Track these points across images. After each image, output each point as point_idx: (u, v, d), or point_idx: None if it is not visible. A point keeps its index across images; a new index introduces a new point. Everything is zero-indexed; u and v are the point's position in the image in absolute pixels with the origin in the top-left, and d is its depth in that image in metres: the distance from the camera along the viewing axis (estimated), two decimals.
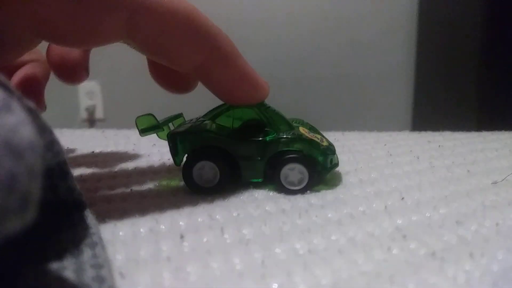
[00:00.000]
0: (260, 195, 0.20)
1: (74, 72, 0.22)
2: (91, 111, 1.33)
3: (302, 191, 0.20)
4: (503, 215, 0.18)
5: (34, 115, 0.11)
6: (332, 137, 0.33)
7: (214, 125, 0.21)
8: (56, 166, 0.13)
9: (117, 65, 1.21)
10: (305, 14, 1.29)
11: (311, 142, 0.21)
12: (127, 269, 0.13)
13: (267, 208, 0.18)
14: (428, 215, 0.18)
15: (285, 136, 0.20)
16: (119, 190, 0.21)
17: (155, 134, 0.22)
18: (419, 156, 0.27)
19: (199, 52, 0.19)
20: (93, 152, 0.29)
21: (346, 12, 1.30)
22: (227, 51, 0.20)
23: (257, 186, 0.21)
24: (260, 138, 0.20)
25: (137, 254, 0.14)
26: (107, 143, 0.32)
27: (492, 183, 0.22)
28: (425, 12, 1.26)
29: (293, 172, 0.20)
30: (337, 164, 0.22)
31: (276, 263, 0.14)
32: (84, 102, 1.33)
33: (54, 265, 0.12)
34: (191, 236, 0.15)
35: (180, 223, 0.17)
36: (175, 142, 0.21)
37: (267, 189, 0.21)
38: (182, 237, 0.15)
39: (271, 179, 0.21)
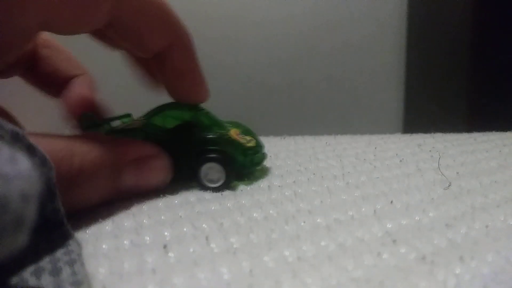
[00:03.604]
0: (247, 201, 0.20)
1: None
2: None
3: (220, 189, 0.22)
4: (492, 217, 0.18)
5: (21, 138, 0.12)
6: (324, 141, 0.33)
7: (148, 125, 0.23)
8: (46, 186, 0.13)
9: (109, 65, 1.20)
10: (294, 18, 1.30)
11: (232, 142, 0.22)
12: (111, 283, 0.13)
13: (254, 215, 0.18)
14: (418, 219, 0.18)
15: (208, 136, 0.22)
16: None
17: None
18: (409, 159, 0.27)
19: (165, 37, 0.21)
20: None
21: (334, 14, 1.31)
22: (188, 43, 0.22)
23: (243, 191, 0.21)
24: (187, 138, 0.22)
25: (121, 267, 0.14)
26: None
27: (445, 188, 0.21)
28: (415, 15, 1.27)
29: (212, 170, 0.22)
30: (259, 164, 0.24)
31: (264, 272, 0.13)
32: None
33: (32, 285, 0.11)
34: (176, 247, 0.15)
35: (165, 233, 0.16)
36: None
37: (252, 195, 0.21)
38: (165, 247, 0.15)
39: (194, 177, 0.22)
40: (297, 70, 1.30)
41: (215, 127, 0.23)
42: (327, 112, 1.32)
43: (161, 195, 0.21)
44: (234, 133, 0.23)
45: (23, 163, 0.09)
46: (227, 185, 0.22)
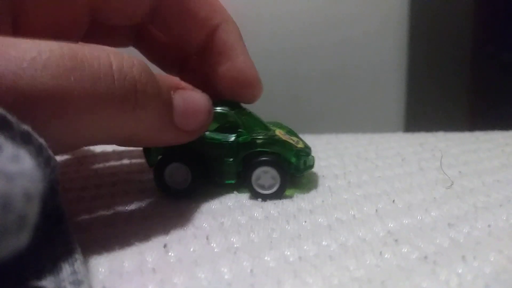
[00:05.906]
0: (247, 201, 0.20)
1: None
2: None
3: (274, 196, 0.20)
4: (494, 217, 0.17)
5: (30, 137, 0.12)
6: (325, 139, 0.33)
7: None
8: (48, 184, 0.13)
9: None
10: (296, 14, 1.30)
11: (284, 143, 0.20)
12: (111, 282, 0.13)
13: (255, 214, 0.18)
14: (420, 218, 0.17)
15: (258, 137, 0.20)
16: (102, 200, 0.20)
17: None
18: (411, 158, 0.27)
19: (217, 14, 0.21)
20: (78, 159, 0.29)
21: (336, 11, 1.30)
22: (234, 22, 0.22)
23: (243, 191, 0.21)
24: (232, 139, 0.20)
25: (121, 266, 0.14)
26: (94, 148, 0.31)
27: (447, 188, 0.21)
28: (417, 12, 1.27)
29: (265, 175, 0.20)
30: (311, 166, 0.22)
31: (265, 272, 0.13)
32: None
33: (32, 284, 0.11)
34: (177, 246, 0.15)
35: (165, 232, 0.16)
36: None
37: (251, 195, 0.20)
38: (165, 246, 0.15)
39: (243, 181, 0.20)
40: (298, 68, 1.30)
41: (258, 127, 0.21)
42: (328, 111, 1.32)
43: (160, 194, 0.21)
44: (280, 133, 0.21)
45: (27, 162, 0.09)
46: (282, 191, 0.20)
